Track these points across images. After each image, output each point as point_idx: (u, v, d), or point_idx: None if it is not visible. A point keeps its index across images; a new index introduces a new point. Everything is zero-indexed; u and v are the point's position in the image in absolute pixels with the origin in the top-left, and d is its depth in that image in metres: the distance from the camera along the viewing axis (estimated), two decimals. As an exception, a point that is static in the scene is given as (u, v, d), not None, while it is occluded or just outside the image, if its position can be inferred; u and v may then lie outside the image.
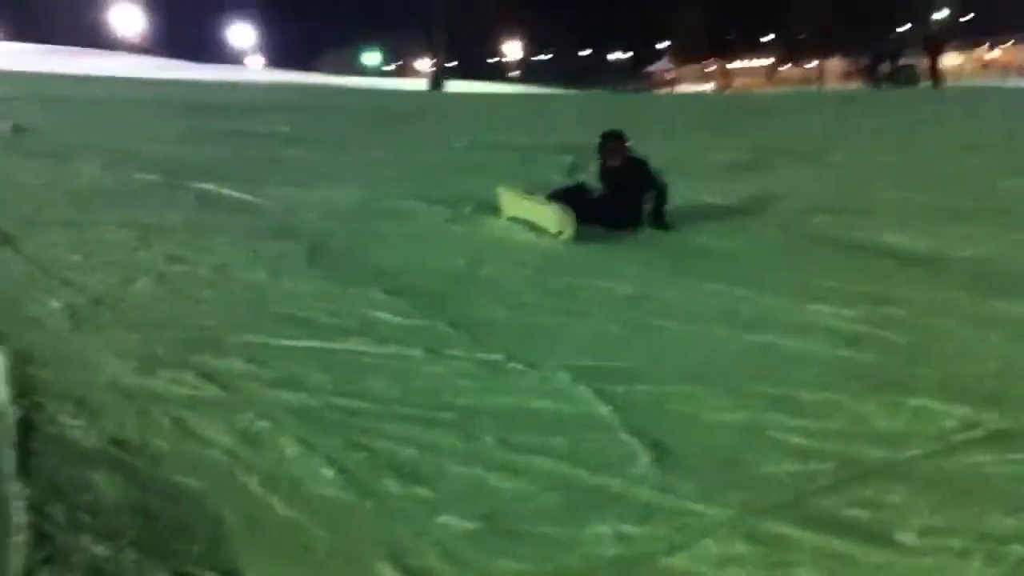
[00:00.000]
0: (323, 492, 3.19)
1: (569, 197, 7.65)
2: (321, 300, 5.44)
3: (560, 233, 7.26)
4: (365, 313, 5.20)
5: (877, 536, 2.89)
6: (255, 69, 62.63)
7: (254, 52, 74.00)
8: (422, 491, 3.19)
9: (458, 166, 11.71)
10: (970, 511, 3.02)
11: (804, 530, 2.91)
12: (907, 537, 2.87)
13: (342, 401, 3.93)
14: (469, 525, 2.97)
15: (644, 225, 7.78)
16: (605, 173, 8.04)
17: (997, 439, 3.57)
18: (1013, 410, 3.85)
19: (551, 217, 7.37)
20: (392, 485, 3.23)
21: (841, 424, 3.77)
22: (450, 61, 44.72)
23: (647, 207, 7.86)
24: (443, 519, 3.01)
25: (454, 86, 41.35)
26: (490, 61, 71.49)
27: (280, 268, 6.21)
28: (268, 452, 3.46)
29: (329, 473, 3.30)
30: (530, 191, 8.15)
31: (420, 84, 42.53)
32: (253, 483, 3.23)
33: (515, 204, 7.91)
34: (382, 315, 5.16)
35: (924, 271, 6.41)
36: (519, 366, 4.39)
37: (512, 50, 73.73)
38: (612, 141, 8.03)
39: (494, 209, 8.15)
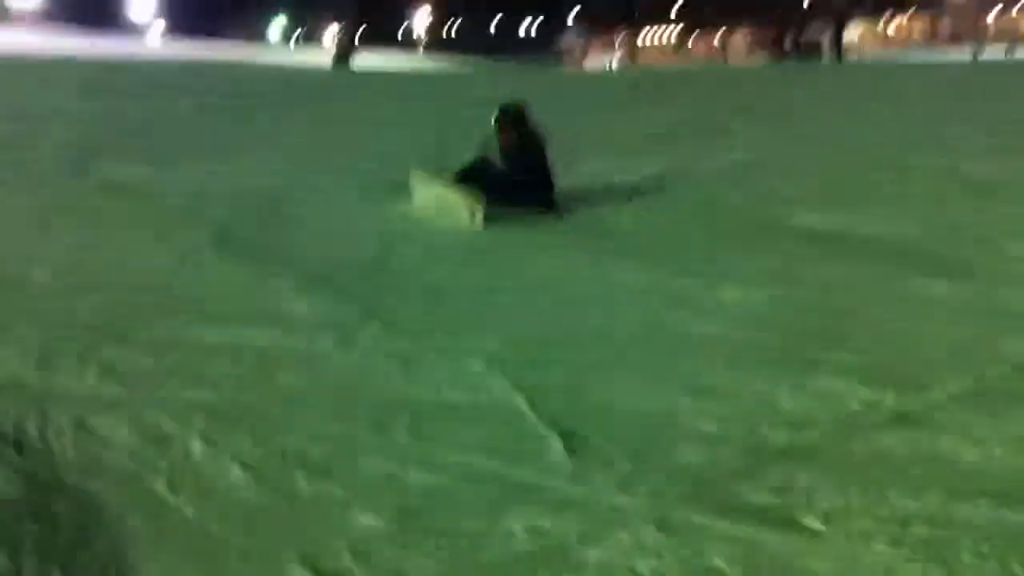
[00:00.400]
0: (232, 492, 3.13)
1: (475, 175, 7.55)
2: (229, 290, 5.34)
3: (472, 217, 7.21)
4: (275, 303, 5.11)
5: (784, 521, 2.93)
6: (156, 39, 61.06)
7: (155, 20, 72.01)
8: (334, 488, 3.15)
9: (371, 146, 11.58)
10: (873, 492, 3.08)
11: (715, 517, 2.94)
12: (813, 521, 2.92)
13: (251, 396, 3.86)
14: (383, 522, 2.94)
15: (558, 200, 7.67)
16: (502, 150, 7.87)
17: (899, 420, 3.66)
18: (915, 390, 3.95)
19: (461, 202, 7.31)
20: (303, 483, 3.18)
21: (750, 408, 3.82)
22: (359, 29, 44.04)
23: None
24: (356, 517, 2.97)
25: (364, 58, 40.84)
26: (398, 30, 70.84)
27: (186, 256, 6.07)
28: (174, 452, 3.38)
29: (238, 472, 3.24)
30: (443, 172, 8.07)
31: (328, 55, 41.88)
32: (159, 485, 3.15)
33: (427, 189, 7.83)
34: (292, 305, 5.08)
35: (836, 249, 6.53)
36: (433, 356, 4.36)
37: (421, 19, 73.13)
38: (506, 116, 7.87)
39: (408, 192, 8.07)
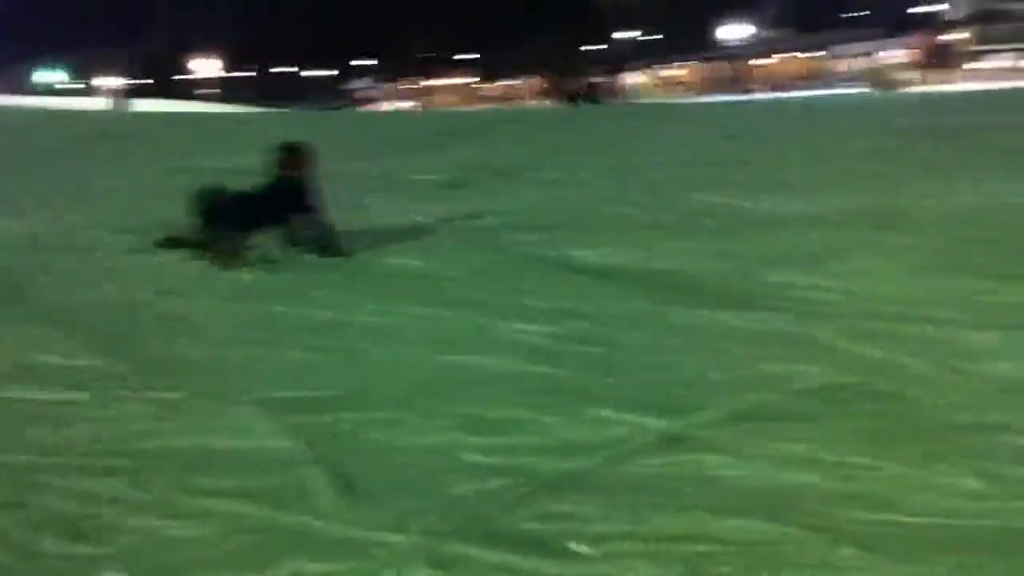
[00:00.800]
0: (-27, 558, 2.90)
1: (219, 209, 7.33)
2: (-20, 344, 5.01)
3: (238, 260, 6.99)
4: (29, 356, 4.82)
5: (555, 548, 2.96)
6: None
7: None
8: (85, 548, 2.97)
9: (147, 191, 11.16)
10: (640, 515, 3.16)
11: (486, 549, 2.94)
12: (582, 547, 2.96)
13: (-1, 456, 3.61)
14: (138, 581, 2.79)
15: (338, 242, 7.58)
16: (280, 181, 7.65)
17: (666, 443, 3.78)
18: (682, 413, 4.09)
19: (225, 248, 7.08)
20: (51, 544, 2.99)
21: (527, 439, 3.86)
22: (139, 78, 42.68)
23: (302, 229, 7.55)
24: (108, 577, 2.81)
25: (143, 105, 39.52)
26: (184, 78, 68.93)
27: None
28: (-91, 518, 3.12)
29: (-20, 536, 3.01)
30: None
31: (106, 103, 40.31)
32: None
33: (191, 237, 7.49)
34: (50, 358, 4.80)
35: (611, 284, 6.71)
36: (204, 403, 4.21)
37: (207, 68, 71.40)
38: (286, 153, 7.73)
39: (180, 239, 7.78)
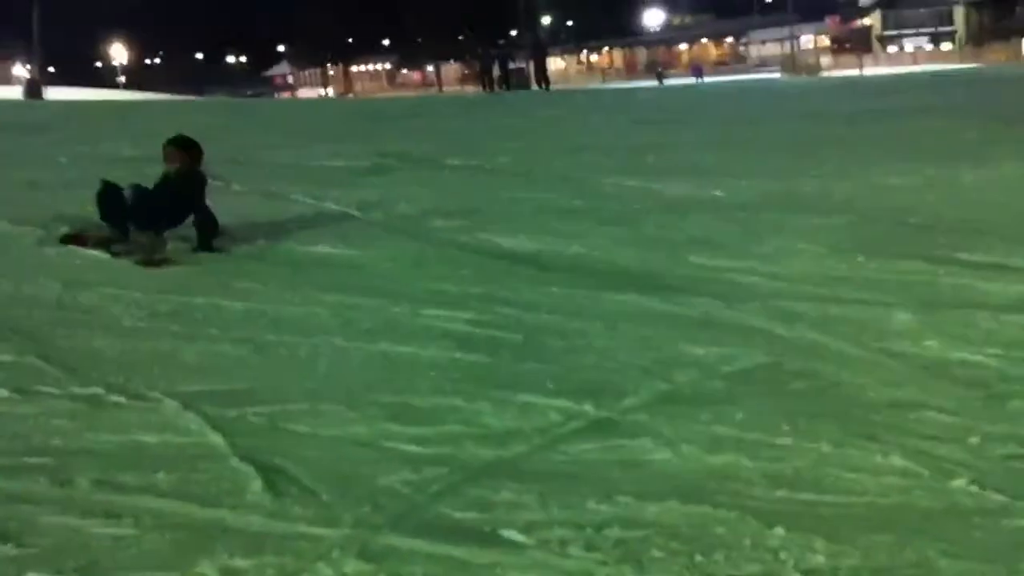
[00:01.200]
0: None
1: (111, 198, 7.18)
2: None
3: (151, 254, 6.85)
4: (-60, 354, 4.65)
5: (486, 536, 2.95)
6: None
7: None
8: (6, 548, 2.87)
9: (58, 183, 10.83)
10: (571, 500, 3.16)
11: (417, 539, 2.92)
12: (513, 534, 2.95)
13: (-89, 458, 3.48)
14: (61, 581, 2.71)
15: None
16: (164, 179, 7.44)
17: (595, 428, 3.80)
18: (610, 398, 4.11)
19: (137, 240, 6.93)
20: (-30, 546, 2.89)
21: (453, 426, 3.84)
22: (50, 66, 41.52)
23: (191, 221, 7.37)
24: (30, 577, 2.73)
25: (56, 94, 38.43)
26: (97, 66, 67.18)
27: None
28: None
29: None
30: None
31: (15, 92, 39.10)
32: None
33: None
34: (-40, 355, 4.64)
35: (534, 270, 6.72)
36: (121, 398, 4.10)
37: (121, 54, 69.67)
38: (171, 146, 7.58)
39: (96, 229, 7.57)
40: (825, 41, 71.94)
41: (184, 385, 4.26)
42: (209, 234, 7.25)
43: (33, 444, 3.63)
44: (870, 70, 49.01)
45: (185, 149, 7.48)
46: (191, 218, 7.29)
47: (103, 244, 7.10)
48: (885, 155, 11.67)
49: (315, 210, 8.96)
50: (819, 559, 2.76)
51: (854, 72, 48.41)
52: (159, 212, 7.12)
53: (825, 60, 57.68)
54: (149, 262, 6.77)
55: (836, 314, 5.41)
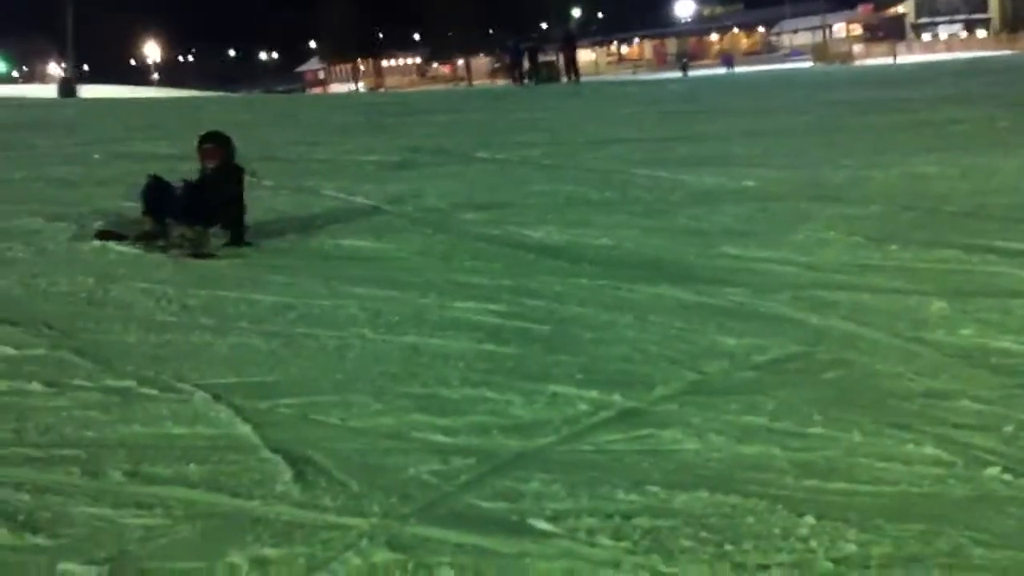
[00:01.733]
0: (-78, 552, 2.84)
1: (156, 192, 7.25)
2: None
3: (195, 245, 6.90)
4: (-25, 347, 4.71)
5: (515, 525, 2.95)
6: None
7: None
8: (39, 539, 2.90)
9: (91, 179, 10.94)
10: (599, 490, 3.15)
11: (446, 529, 2.92)
12: (542, 523, 2.95)
13: (-51, 448, 3.52)
14: (93, 570, 2.73)
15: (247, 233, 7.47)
16: (203, 175, 7.50)
17: (624, 418, 3.79)
18: (639, 389, 4.10)
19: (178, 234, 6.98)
20: (4, 536, 2.92)
21: (482, 417, 3.84)
22: (84, 64, 41.93)
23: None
24: (63, 567, 2.75)
25: (89, 91, 38.80)
26: (130, 64, 67.74)
27: None
28: None
29: (-71, 531, 2.94)
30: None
31: (50, 91, 39.51)
32: None
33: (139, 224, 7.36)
34: (-3, 348, 4.70)
35: (564, 262, 6.70)
36: (153, 391, 4.13)
37: (153, 52, 70.16)
38: (208, 143, 7.66)
39: (129, 225, 7.63)
40: (857, 29, 71.28)
41: (215, 377, 4.29)
42: (242, 229, 7.30)
43: (66, 436, 3.67)
44: (903, 58, 48.48)
45: (222, 145, 7.53)
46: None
47: (143, 239, 7.15)
48: (919, 143, 11.54)
49: (345, 204, 8.98)
50: (850, 548, 2.74)
51: (887, 60, 47.95)
52: (207, 207, 7.18)
53: (857, 48, 57.09)
54: (198, 255, 6.83)
55: (870, 303, 5.36)
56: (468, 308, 5.49)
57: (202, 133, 7.68)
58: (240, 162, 7.62)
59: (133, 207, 7.62)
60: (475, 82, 55.07)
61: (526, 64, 39.91)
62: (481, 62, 62.51)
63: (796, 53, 56.40)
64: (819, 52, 53.12)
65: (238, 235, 7.27)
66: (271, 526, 2.97)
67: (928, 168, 9.74)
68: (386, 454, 3.51)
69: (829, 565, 2.66)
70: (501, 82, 50.52)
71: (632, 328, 5.10)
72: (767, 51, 64.03)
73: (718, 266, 6.44)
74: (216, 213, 7.25)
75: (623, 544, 2.82)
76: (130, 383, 4.21)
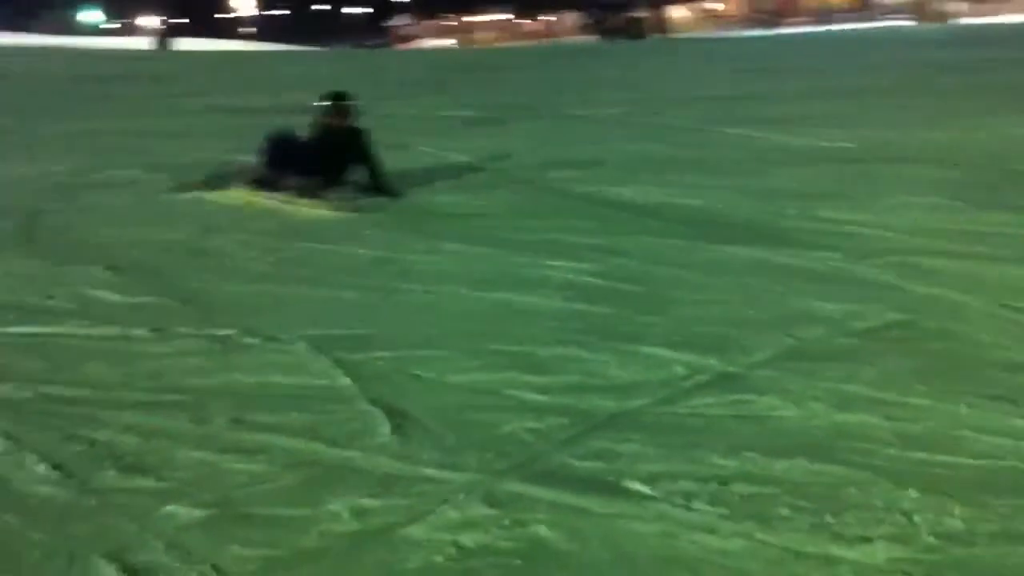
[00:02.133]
0: (35, 490, 2.95)
1: (281, 145, 7.34)
2: (32, 281, 5.05)
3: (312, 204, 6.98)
4: (83, 293, 4.85)
5: (610, 486, 2.95)
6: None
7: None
8: (146, 481, 3.00)
9: (188, 132, 11.16)
10: (696, 454, 3.13)
11: (541, 487, 2.93)
12: (637, 485, 2.94)
13: (57, 390, 3.65)
14: (198, 513, 2.81)
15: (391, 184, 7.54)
16: (328, 131, 7.63)
17: (720, 382, 3.74)
18: (735, 353, 4.05)
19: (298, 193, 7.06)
20: (113, 477, 3.02)
21: (576, 377, 3.84)
22: (178, 17, 42.58)
23: (356, 176, 7.57)
24: (169, 509, 2.83)
25: (183, 44, 39.42)
26: (222, 17, 68.59)
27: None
28: (-28, 451, 3.17)
29: (42, 469, 3.05)
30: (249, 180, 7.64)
31: (145, 43, 40.24)
32: (-44, 486, 2.95)
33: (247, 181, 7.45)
34: (102, 294, 4.84)
35: (654, 221, 6.64)
36: (254, 340, 4.22)
37: (245, 6, 70.91)
38: (337, 103, 7.69)
39: (225, 177, 7.77)
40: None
41: (313, 329, 4.36)
42: (387, 180, 7.39)
43: (171, 382, 3.77)
44: (1010, 17, 46.67)
45: (346, 105, 7.61)
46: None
47: (254, 184, 7.24)
48: (1014, 106, 11.14)
49: (437, 160, 9.01)
50: (955, 523, 2.68)
51: (990, 19, 46.23)
52: (331, 165, 7.28)
53: (963, 7, 55.15)
54: (311, 196, 6.90)
55: (973, 271, 5.20)
56: (559, 266, 5.48)
57: (324, 93, 7.75)
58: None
59: (230, 159, 7.75)
60: (563, 39, 54.58)
61: (614, 20, 39.46)
62: (569, 18, 61.86)
63: (893, 12, 54.63)
64: (918, 10, 51.46)
65: (388, 186, 7.36)
66: (370, 477, 3.02)
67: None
68: (481, 410, 3.52)
69: (933, 540, 2.61)
70: (589, 39, 50.05)
71: (725, 291, 5.03)
72: (865, 8, 62.15)
73: (812, 229, 6.31)
74: (339, 173, 7.34)
75: (719, 510, 2.80)
76: (231, 332, 4.30)
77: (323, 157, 7.30)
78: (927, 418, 3.36)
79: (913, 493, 2.82)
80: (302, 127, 7.55)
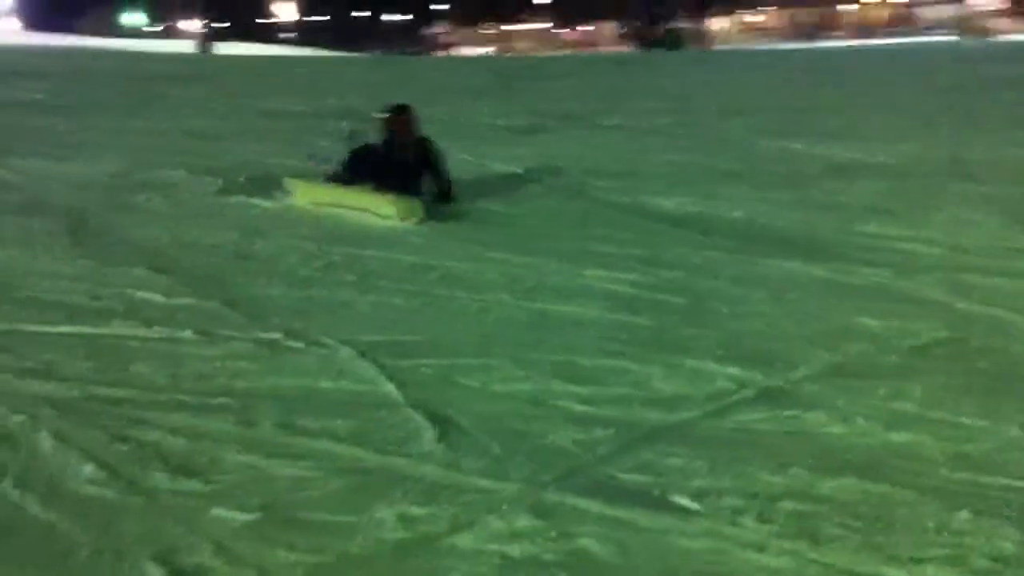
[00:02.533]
0: (84, 490, 2.97)
1: (366, 160, 7.39)
2: (80, 281, 5.10)
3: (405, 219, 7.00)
4: (130, 294, 4.90)
5: (656, 500, 2.93)
6: (9, 31, 58.08)
7: (9, 14, 68.57)
8: (194, 484, 3.02)
9: (231, 134, 11.23)
10: (743, 470, 3.11)
11: (587, 498, 2.92)
12: (685, 500, 2.92)
13: (105, 390, 3.68)
14: (245, 517, 2.82)
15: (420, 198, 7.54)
16: (396, 147, 7.68)
17: (766, 397, 3.72)
18: (780, 368, 4.02)
19: (390, 208, 7.06)
20: (161, 479, 3.04)
21: (622, 388, 3.83)
22: (220, 22, 42.96)
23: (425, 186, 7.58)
24: (217, 512, 2.85)
25: (225, 48, 39.74)
26: (263, 22, 69.13)
27: (33, 246, 5.79)
28: (22, 449, 3.20)
29: (90, 469, 3.08)
30: (325, 177, 7.67)
31: (187, 46, 40.63)
32: (6, 484, 2.98)
33: (327, 195, 7.46)
34: (149, 295, 4.87)
35: (695, 233, 6.61)
36: (300, 344, 4.24)
37: (286, 11, 71.47)
38: (397, 114, 7.71)
39: (269, 180, 7.80)
40: (1003, 2, 68.02)
41: (358, 333, 4.37)
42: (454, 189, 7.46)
43: (218, 385, 3.79)
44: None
45: (410, 117, 7.62)
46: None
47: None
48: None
49: (478, 168, 9.01)
50: (1008, 547, 2.64)
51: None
52: (400, 174, 7.31)
53: (1006, 22, 54.53)
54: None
55: (1014, 288, 5.14)
56: (601, 276, 5.47)
57: (388, 105, 7.77)
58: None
59: (276, 162, 7.79)
60: (602, 48, 54.53)
61: (654, 30, 39.41)
62: (608, 28, 61.75)
63: (936, 27, 54.14)
64: (962, 25, 50.95)
65: (454, 197, 7.40)
66: (416, 484, 3.02)
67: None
68: (527, 420, 3.52)
69: (986, 563, 2.57)
70: (628, 48, 49.97)
71: (769, 304, 5.01)
72: (907, 23, 61.59)
73: (856, 243, 6.27)
74: (412, 182, 7.36)
75: (768, 527, 2.77)
76: (277, 335, 4.32)
77: (397, 165, 7.32)
78: (978, 438, 3.32)
79: (965, 515, 2.79)
80: (362, 135, 7.57)
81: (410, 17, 68.68)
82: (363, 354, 4.08)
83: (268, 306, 4.80)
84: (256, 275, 5.37)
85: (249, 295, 4.98)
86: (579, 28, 63.28)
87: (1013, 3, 59.39)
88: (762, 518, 2.82)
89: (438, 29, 63.63)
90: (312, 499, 2.93)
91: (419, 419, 3.47)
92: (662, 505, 2.91)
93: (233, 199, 7.43)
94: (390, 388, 3.75)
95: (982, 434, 3.35)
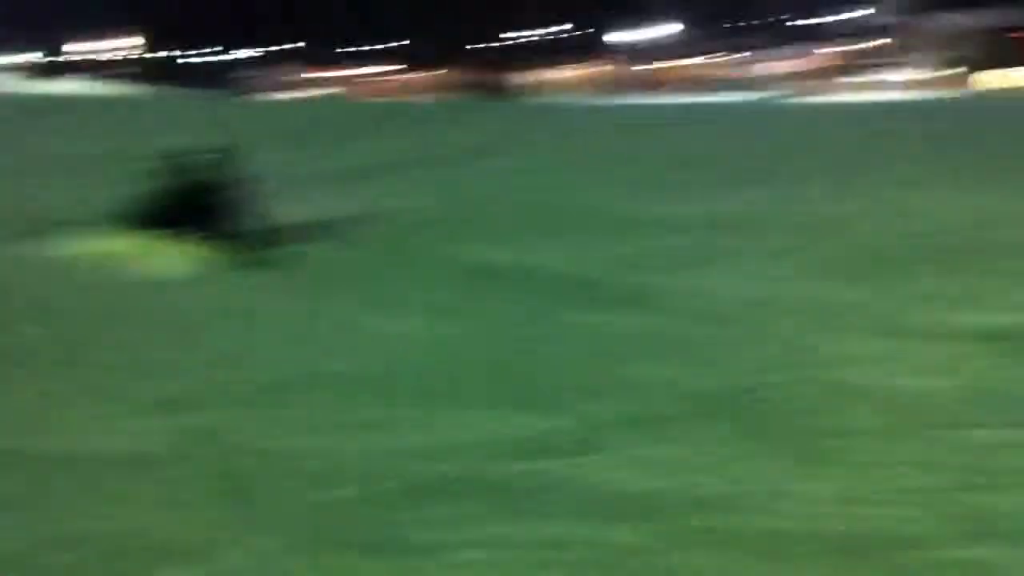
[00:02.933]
0: None
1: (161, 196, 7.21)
2: None
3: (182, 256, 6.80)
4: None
5: (435, 553, 2.85)
6: None
7: None
8: None
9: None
10: (519, 519, 3.09)
11: (361, 555, 2.83)
12: (468, 552, 2.86)
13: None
14: None
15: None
16: (203, 182, 7.55)
17: (547, 446, 3.72)
18: (561, 417, 4.03)
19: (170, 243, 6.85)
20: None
21: (399, 440, 3.76)
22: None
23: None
24: None
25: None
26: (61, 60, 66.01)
27: None
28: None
29: None
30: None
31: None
32: None
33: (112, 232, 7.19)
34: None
35: (503, 283, 6.69)
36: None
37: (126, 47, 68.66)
38: (211, 154, 7.58)
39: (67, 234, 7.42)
40: (805, 65, 71.07)
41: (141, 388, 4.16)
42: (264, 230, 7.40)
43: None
44: (841, 96, 48.31)
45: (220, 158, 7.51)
46: None
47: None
48: (843, 180, 11.54)
49: (308, 216, 8.72)
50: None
51: (830, 98, 47.87)
52: (209, 213, 7.20)
53: (840, 81, 56.10)
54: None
55: (785, 339, 5.33)
56: (395, 324, 5.44)
57: (199, 146, 7.70)
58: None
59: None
60: (422, 95, 54.52)
61: (475, 79, 39.84)
62: (427, 76, 61.80)
63: (771, 84, 55.14)
64: (797, 84, 52.00)
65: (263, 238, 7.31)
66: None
67: (857, 204, 9.73)
68: (299, 475, 3.42)
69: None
70: (448, 96, 50.18)
71: (576, 354, 5.04)
72: (744, 80, 62.49)
73: (650, 293, 6.37)
74: (215, 222, 7.20)
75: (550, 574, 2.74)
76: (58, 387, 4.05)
77: (200, 208, 7.17)
78: (742, 480, 3.37)
79: (737, 556, 2.82)
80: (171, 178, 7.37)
81: (260, 57, 66.77)
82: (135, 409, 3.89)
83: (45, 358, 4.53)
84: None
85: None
86: (424, 73, 62.73)
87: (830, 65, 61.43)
88: (540, 567, 2.76)
89: (248, 72, 61.94)
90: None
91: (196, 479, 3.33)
92: (440, 555, 2.82)
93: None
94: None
95: (746, 478, 3.39)
